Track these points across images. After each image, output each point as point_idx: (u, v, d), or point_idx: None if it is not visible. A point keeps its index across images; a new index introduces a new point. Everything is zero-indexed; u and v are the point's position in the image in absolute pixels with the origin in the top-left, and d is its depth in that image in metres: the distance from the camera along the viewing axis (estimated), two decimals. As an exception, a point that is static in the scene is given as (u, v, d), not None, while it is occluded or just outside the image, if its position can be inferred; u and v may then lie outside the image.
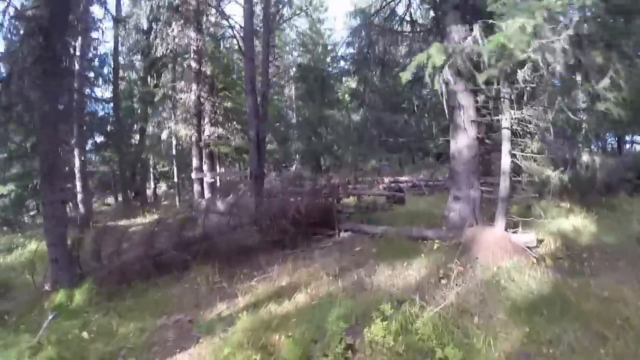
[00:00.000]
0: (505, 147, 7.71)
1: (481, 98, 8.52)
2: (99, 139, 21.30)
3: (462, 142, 8.55)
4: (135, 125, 21.58)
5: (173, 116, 20.39)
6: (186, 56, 20.04)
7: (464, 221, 8.47)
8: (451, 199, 8.96)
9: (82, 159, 18.12)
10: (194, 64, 19.20)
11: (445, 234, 8.39)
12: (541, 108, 7.65)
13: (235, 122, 20.53)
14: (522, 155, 7.97)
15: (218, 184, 20.30)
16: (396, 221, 10.88)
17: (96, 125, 20.77)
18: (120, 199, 25.32)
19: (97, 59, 20.55)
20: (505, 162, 7.73)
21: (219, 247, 8.93)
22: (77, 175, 17.70)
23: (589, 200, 11.11)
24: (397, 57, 13.76)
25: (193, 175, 19.25)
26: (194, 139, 19.59)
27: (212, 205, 13.92)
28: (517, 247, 7.15)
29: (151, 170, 27.86)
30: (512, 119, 7.67)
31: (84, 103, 19.33)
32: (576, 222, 9.35)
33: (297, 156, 30.17)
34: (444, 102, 7.58)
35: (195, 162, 19.97)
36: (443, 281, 6.40)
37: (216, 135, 19.86)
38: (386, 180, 20.31)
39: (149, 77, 20.33)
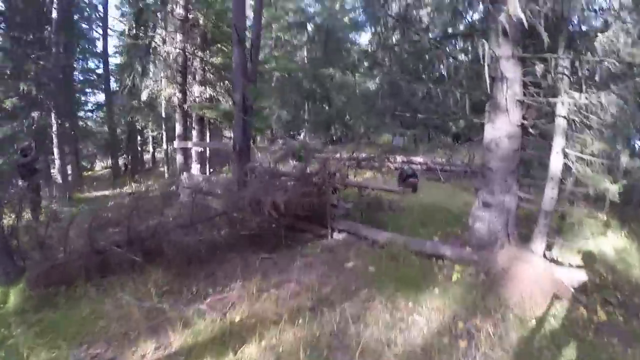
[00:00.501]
0: (558, 143, 5.52)
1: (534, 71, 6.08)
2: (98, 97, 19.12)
3: (502, 128, 6.13)
4: (128, 83, 19.22)
5: (153, 72, 17.81)
6: (172, -1, 16.68)
7: (493, 237, 6.27)
8: (479, 203, 6.63)
9: (60, 122, 15.98)
10: (179, 10, 15.98)
11: (469, 255, 6.11)
12: (615, 95, 5.27)
13: (228, 82, 17.09)
14: (577, 157, 5.70)
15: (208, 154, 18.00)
16: (405, 221, 8.67)
17: (88, 83, 18.74)
18: (120, 162, 23.51)
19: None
20: (556, 163, 5.54)
21: (178, 244, 6.69)
22: (55, 140, 15.64)
23: (628, 213, 8.98)
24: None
25: (175, 144, 16.62)
26: (177, 100, 16.59)
27: (192, 182, 11.86)
28: (562, 286, 5.18)
29: (150, 133, 25.71)
30: (572, 105, 5.34)
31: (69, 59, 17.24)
32: (617, 242, 7.53)
33: (306, 124, 27.75)
34: (485, 69, 5.27)
35: (178, 129, 17.03)
36: (462, 343, 4.31)
37: (205, 97, 16.74)
38: (399, 159, 17.93)
39: (135, 28, 17.66)
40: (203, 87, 16.79)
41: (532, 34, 5.71)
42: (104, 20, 20.78)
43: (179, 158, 15.84)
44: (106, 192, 16.90)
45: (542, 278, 5.16)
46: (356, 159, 15.93)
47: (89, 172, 26.24)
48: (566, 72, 5.59)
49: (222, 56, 17.01)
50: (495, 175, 6.28)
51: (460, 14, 7.68)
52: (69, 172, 17.92)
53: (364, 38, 31.79)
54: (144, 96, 17.93)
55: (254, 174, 8.69)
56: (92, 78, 21.50)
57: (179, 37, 15.98)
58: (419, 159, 17.80)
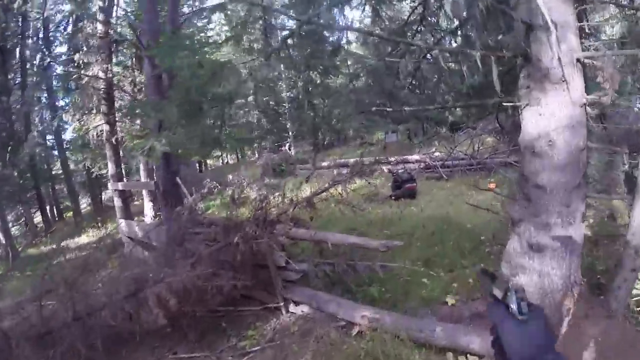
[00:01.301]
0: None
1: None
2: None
3: (557, 112, 3.17)
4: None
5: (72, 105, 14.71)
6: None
7: (549, 297, 3.49)
8: (522, 246, 3.71)
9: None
10: (97, 26, 12.66)
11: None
12: None
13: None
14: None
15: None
16: (398, 257, 5.83)
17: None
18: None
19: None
20: None
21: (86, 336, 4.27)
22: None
23: None
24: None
25: (109, 186, 13.49)
26: (104, 134, 12.92)
27: (130, 231, 9.04)
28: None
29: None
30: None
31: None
32: None
33: (291, 133, 24.98)
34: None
35: (110, 167, 13.27)
36: None
37: (138, 126, 12.69)
38: (392, 159, 15.11)
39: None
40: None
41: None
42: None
43: (117, 202, 12.59)
44: (67, 241, 14.23)
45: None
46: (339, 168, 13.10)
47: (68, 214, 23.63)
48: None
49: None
50: (551, 197, 3.40)
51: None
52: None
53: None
54: (68, 135, 14.91)
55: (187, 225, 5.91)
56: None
57: (100, 57, 12.80)
58: (415, 157, 15.01)
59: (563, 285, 3.62)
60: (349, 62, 25.59)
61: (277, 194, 4.99)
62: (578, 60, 3.20)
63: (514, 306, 0.98)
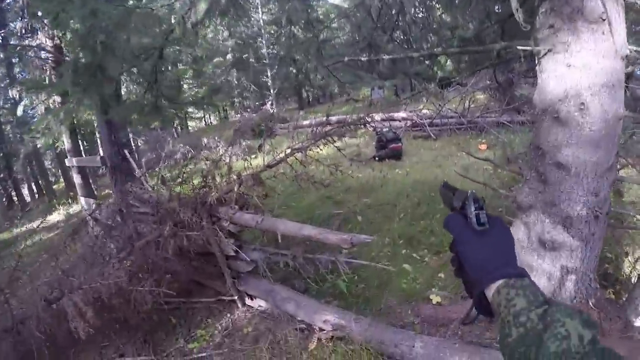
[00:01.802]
0: None
1: None
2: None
3: (592, 64, 2.25)
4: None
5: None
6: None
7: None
8: (531, 240, 2.84)
9: None
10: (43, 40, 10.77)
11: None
12: None
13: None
14: None
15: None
16: (379, 225, 5.06)
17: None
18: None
19: None
20: None
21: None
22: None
23: None
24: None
25: (66, 162, 12.16)
26: (56, 106, 10.58)
27: (90, 208, 8.03)
28: None
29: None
30: None
31: None
32: None
33: (272, 91, 23.61)
34: None
35: (66, 143, 11.62)
36: None
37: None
38: (377, 117, 14.09)
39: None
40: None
41: None
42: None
43: (76, 178, 11.27)
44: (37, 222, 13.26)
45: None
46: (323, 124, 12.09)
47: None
48: None
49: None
50: (576, 181, 2.50)
51: None
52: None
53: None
54: (19, 110, 13.43)
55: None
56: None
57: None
58: (401, 114, 13.96)
59: (577, 292, 2.80)
60: (332, 15, 24.06)
61: (223, 166, 3.97)
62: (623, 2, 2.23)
63: (472, 216, 0.85)
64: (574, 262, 2.70)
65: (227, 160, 4.22)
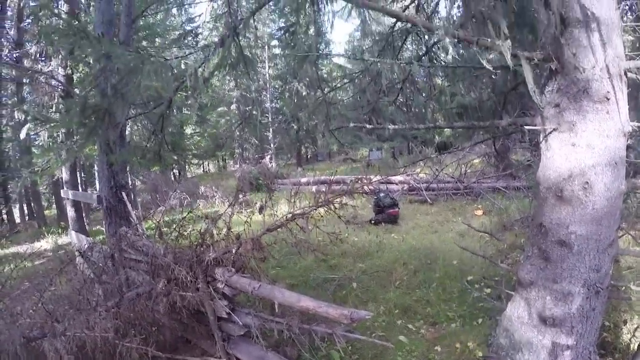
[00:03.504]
0: None
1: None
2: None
3: (596, 143, 2.25)
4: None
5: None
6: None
7: None
8: (532, 317, 2.73)
9: None
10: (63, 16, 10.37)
11: None
12: None
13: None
14: None
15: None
16: (373, 302, 4.89)
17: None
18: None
19: None
20: None
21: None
22: None
23: None
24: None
25: (62, 194, 12.12)
26: (60, 136, 11.12)
27: (79, 244, 7.84)
28: None
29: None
30: None
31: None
32: None
33: (272, 145, 23.92)
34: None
35: (64, 173, 11.35)
36: None
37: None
38: (375, 179, 14.11)
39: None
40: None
41: None
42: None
43: (69, 211, 11.16)
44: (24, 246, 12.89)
45: None
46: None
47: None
48: None
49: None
50: (578, 258, 2.45)
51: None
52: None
53: (334, 48, 28.44)
54: (23, 133, 13.54)
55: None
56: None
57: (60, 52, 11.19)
58: (398, 178, 14.04)
59: (583, 370, 2.68)
60: (334, 74, 24.78)
61: (223, 226, 3.88)
62: (625, 71, 2.28)
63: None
64: (574, 337, 2.61)
65: (227, 220, 4.14)
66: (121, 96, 4.04)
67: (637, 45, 5.53)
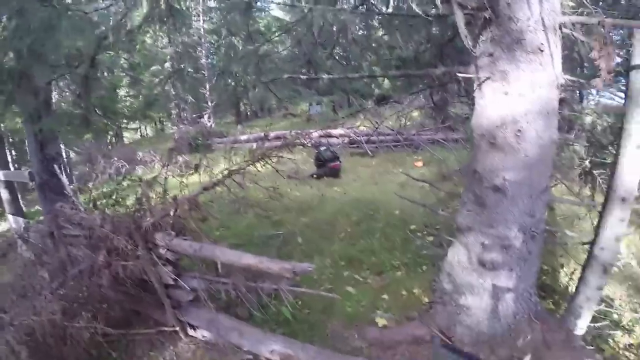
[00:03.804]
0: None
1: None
2: None
3: (529, 93, 2.33)
4: None
5: None
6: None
7: (504, 324, 2.84)
8: (471, 261, 2.89)
9: None
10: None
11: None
12: None
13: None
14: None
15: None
16: (318, 248, 5.00)
17: None
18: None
19: None
20: (633, 166, 1.92)
21: None
22: None
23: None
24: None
25: None
26: None
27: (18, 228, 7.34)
28: None
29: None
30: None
31: None
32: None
33: (210, 103, 23.07)
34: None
35: None
36: None
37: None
38: (315, 134, 14.11)
39: None
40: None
41: None
42: None
43: (3, 193, 10.32)
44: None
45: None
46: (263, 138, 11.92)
47: None
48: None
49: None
50: (512, 203, 2.59)
51: None
52: None
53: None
54: None
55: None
56: None
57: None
58: (339, 131, 14.08)
59: (519, 308, 2.89)
60: (273, 28, 23.99)
61: (159, 187, 3.73)
62: (560, 25, 2.34)
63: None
64: (514, 280, 2.79)
65: (163, 182, 3.97)
66: (39, 57, 3.69)
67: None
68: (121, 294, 3.72)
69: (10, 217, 9.19)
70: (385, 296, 4.09)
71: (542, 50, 2.24)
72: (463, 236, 2.96)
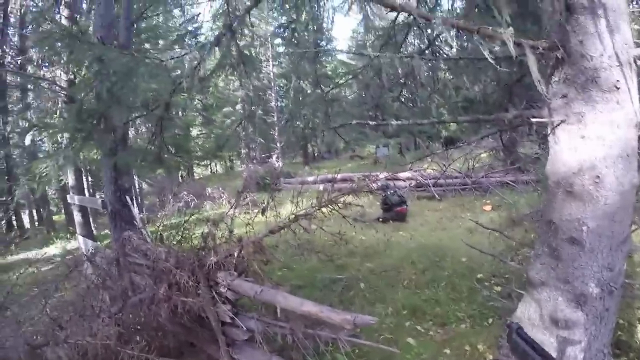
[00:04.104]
0: None
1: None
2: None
3: (607, 134, 2.13)
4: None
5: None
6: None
7: None
8: (543, 319, 2.62)
9: None
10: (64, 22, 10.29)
11: None
12: None
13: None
14: None
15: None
16: (380, 308, 4.77)
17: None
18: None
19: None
20: None
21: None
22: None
23: None
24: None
25: (68, 199, 12.04)
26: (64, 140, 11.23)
27: (86, 249, 7.86)
28: None
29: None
30: None
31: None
32: None
33: (278, 144, 23.85)
34: None
35: (70, 179, 11.43)
36: None
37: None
38: (382, 176, 14.01)
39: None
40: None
41: None
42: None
43: (76, 216, 11.12)
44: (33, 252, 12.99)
45: None
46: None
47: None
48: None
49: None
50: (591, 257, 2.34)
51: None
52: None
53: (337, 45, 28.32)
54: (27, 140, 13.30)
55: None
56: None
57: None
58: (406, 174, 13.89)
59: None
60: (339, 71, 24.62)
61: (224, 229, 3.81)
62: (635, 59, 2.17)
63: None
64: (588, 339, 2.50)
65: (229, 222, 4.05)
66: (117, 99, 3.98)
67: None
68: (177, 325, 3.78)
69: (80, 238, 9.86)
70: (447, 350, 3.82)
71: (618, 88, 2.06)
72: (535, 291, 2.71)
